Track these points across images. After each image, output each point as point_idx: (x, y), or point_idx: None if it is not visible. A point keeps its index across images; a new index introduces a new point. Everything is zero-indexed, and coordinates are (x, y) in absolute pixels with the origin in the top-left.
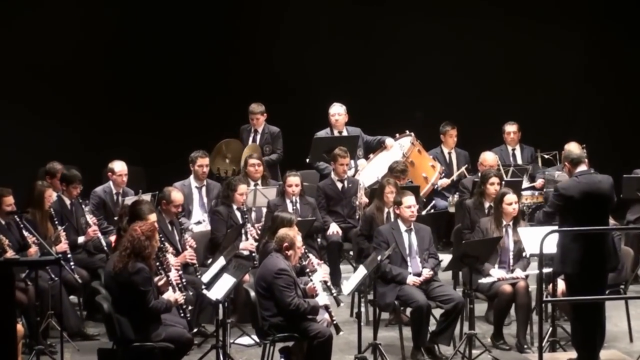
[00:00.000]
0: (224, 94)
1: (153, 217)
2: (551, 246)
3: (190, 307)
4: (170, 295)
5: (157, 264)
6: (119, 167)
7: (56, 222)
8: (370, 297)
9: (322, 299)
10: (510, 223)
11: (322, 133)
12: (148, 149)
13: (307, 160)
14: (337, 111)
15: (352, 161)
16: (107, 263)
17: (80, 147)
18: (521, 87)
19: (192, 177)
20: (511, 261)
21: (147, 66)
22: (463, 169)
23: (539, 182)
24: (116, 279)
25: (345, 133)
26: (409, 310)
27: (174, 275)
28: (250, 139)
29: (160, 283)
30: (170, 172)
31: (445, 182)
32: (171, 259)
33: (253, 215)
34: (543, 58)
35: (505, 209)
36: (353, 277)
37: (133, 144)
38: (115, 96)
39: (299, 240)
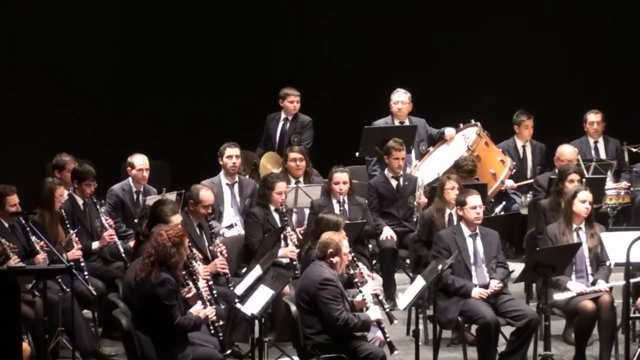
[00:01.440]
0: (262, 79)
1: (177, 219)
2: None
3: (221, 323)
4: (199, 310)
5: (185, 273)
6: (140, 161)
7: (67, 225)
8: (430, 312)
9: (374, 313)
10: (582, 226)
11: (381, 122)
12: (173, 140)
13: (357, 154)
14: (401, 98)
15: (410, 155)
16: (127, 272)
17: (94, 138)
18: (607, 69)
19: (222, 173)
20: (588, 269)
21: (171, 46)
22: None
23: (623, 183)
24: (137, 291)
25: (407, 124)
26: (474, 327)
27: (203, 286)
28: (279, 128)
29: (187, 296)
30: (199, 168)
31: (512, 184)
32: (200, 268)
33: (294, 217)
34: (634, 36)
35: (577, 208)
36: (409, 289)
37: (156, 134)
38: (135, 80)
39: (345, 245)
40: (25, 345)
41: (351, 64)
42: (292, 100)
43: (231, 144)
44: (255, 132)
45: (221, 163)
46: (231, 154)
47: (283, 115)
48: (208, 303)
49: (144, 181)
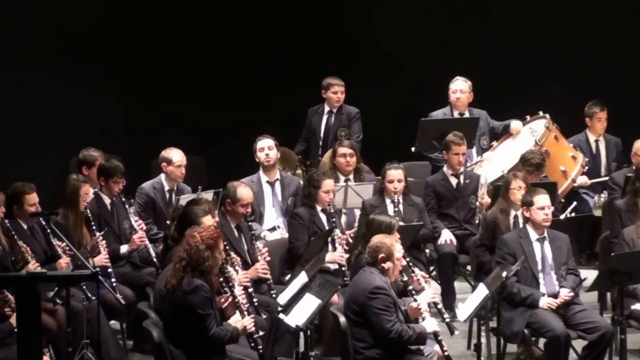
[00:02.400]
0: (301, 68)
1: (208, 220)
2: None
3: (262, 334)
4: (237, 320)
5: (221, 280)
6: (178, 156)
7: (93, 227)
8: (493, 324)
9: (431, 324)
10: None
11: (439, 114)
12: (209, 134)
13: (413, 148)
14: (460, 87)
15: (471, 150)
16: (158, 279)
17: (122, 131)
18: None
19: (261, 170)
20: None
21: (209, 29)
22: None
23: None
24: (168, 299)
25: (467, 115)
26: (542, 341)
27: (241, 294)
28: (324, 122)
29: (224, 305)
30: (238, 165)
31: (585, 181)
32: (238, 273)
33: (343, 219)
34: None
35: None
36: (470, 298)
37: (190, 127)
38: (166, 69)
39: (398, 249)
40: None
41: (404, 49)
42: (336, 91)
43: (262, 136)
44: (295, 127)
45: (256, 160)
46: (262, 145)
47: (327, 108)
48: (247, 312)
49: (181, 179)
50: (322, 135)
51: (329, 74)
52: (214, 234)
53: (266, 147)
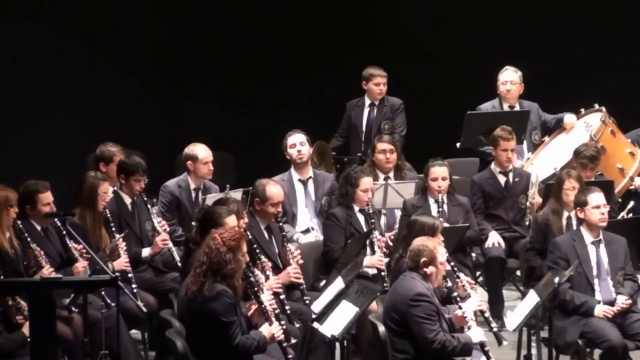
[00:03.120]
0: (340, 57)
1: (231, 221)
2: None
3: (294, 342)
4: (265, 328)
5: (247, 285)
6: (204, 152)
7: (112, 228)
8: (545, 334)
9: (477, 334)
10: None
11: (487, 106)
12: (238, 128)
13: (458, 144)
14: (510, 78)
15: (522, 146)
16: (182, 285)
17: (144, 124)
18: None
19: (292, 168)
20: None
21: (234, 21)
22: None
23: None
24: (189, 307)
25: (518, 108)
26: (597, 352)
27: (268, 299)
28: (365, 115)
29: (250, 311)
30: (271, 161)
31: None
32: (269, 278)
33: (382, 220)
34: None
35: None
36: (520, 306)
37: (216, 120)
38: (191, 58)
39: (441, 253)
40: None
41: (449, 37)
42: (377, 83)
43: (293, 130)
44: (333, 121)
45: (287, 157)
46: (294, 141)
47: (367, 101)
48: (275, 319)
49: (209, 176)
50: (364, 129)
51: (369, 63)
52: (236, 235)
53: (298, 143)
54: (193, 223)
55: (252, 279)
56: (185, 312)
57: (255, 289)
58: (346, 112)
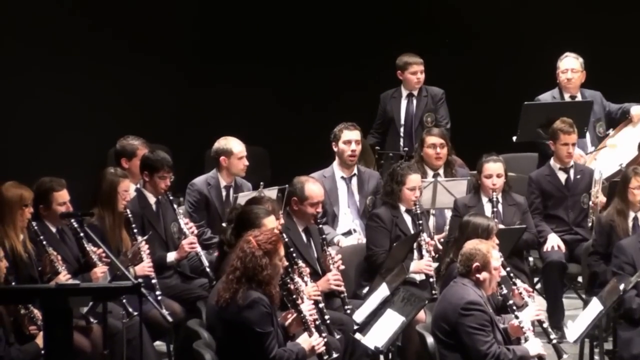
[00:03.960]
0: (370, 42)
1: (270, 222)
2: None
3: (335, 357)
4: (303, 340)
5: (285, 293)
6: (238, 147)
7: (135, 230)
8: (609, 345)
9: (534, 346)
10: None
11: (546, 96)
12: (273, 119)
13: (514, 138)
14: (571, 65)
15: (584, 140)
16: (211, 292)
17: (169, 116)
18: None
19: (335, 163)
20: None
21: (269, 2)
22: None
23: None
24: (221, 316)
25: (579, 98)
26: None
27: (309, 309)
28: (403, 107)
29: (288, 322)
30: (308, 157)
31: None
32: (307, 285)
33: (431, 221)
34: None
35: None
36: (582, 315)
37: (250, 111)
38: (224, 46)
39: (495, 257)
40: None
41: (503, 19)
42: (415, 71)
43: (350, 125)
44: (363, 114)
45: (336, 150)
46: (350, 138)
47: (404, 92)
48: (315, 330)
49: (243, 173)
50: (402, 123)
51: (404, 49)
52: (273, 238)
53: (354, 141)
54: (223, 224)
55: (291, 285)
56: (215, 321)
57: (294, 296)
58: (380, 104)
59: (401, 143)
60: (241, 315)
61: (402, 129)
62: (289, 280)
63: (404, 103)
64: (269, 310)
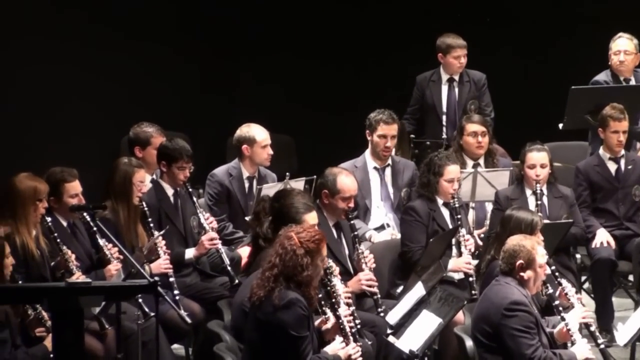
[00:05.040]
0: (405, 24)
1: (312, 218)
2: None
3: None
4: (337, 348)
5: (325, 295)
6: (262, 135)
7: (151, 225)
8: None
9: (582, 350)
10: None
11: (596, 80)
12: (299, 106)
13: (560, 125)
14: (624, 47)
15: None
16: (238, 291)
17: (188, 103)
18: None
19: (367, 152)
20: None
21: None
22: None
23: None
24: (253, 316)
25: (633, 82)
26: None
27: (346, 314)
28: (444, 93)
29: (324, 326)
30: (337, 145)
31: None
32: (339, 286)
33: (471, 215)
34: None
35: None
36: (633, 317)
37: (274, 97)
38: (245, 24)
39: (540, 254)
40: None
41: None
42: (458, 55)
43: (388, 117)
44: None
45: (369, 139)
46: (386, 133)
47: (444, 76)
48: (352, 338)
49: (268, 162)
50: (444, 109)
51: (445, 30)
52: (317, 236)
53: (390, 137)
54: (246, 218)
55: (331, 288)
56: (243, 322)
57: (333, 300)
58: (416, 88)
59: (444, 132)
60: (276, 316)
61: (444, 117)
62: (328, 282)
63: (444, 88)
64: (306, 312)
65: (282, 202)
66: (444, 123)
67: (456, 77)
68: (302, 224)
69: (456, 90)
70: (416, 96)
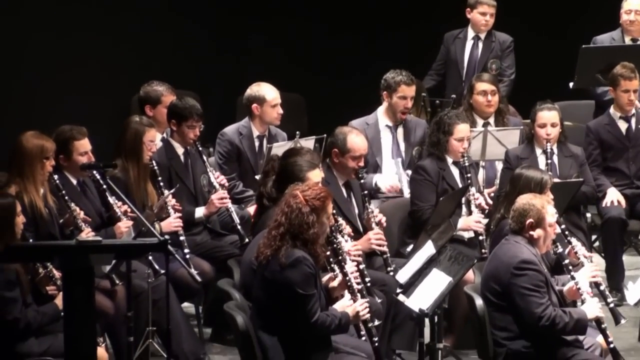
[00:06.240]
0: None
1: (315, 175)
2: None
3: (377, 324)
4: (346, 305)
5: (331, 253)
6: (272, 93)
7: (161, 183)
8: None
9: (592, 308)
10: None
11: (606, 39)
12: (309, 63)
13: (571, 84)
14: (635, 6)
15: None
16: (247, 249)
17: (197, 61)
18: None
19: (381, 110)
20: None
21: None
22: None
23: None
24: (260, 275)
25: None
26: None
27: (353, 271)
28: (467, 50)
29: (332, 284)
30: (348, 104)
31: None
32: (348, 244)
33: (481, 174)
34: None
35: None
36: None
37: (284, 55)
38: None
39: (550, 213)
40: (102, 352)
41: None
42: (484, 12)
43: (407, 77)
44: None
45: (387, 100)
46: (407, 94)
47: (471, 33)
48: (360, 294)
49: (278, 121)
50: (465, 66)
51: None
52: (322, 194)
53: (409, 98)
54: (256, 177)
55: (337, 246)
56: (251, 280)
57: (339, 257)
58: (443, 44)
59: (463, 88)
60: (283, 275)
61: (464, 73)
62: (334, 240)
63: (469, 45)
64: (313, 270)
65: (286, 160)
66: (464, 79)
67: (482, 36)
68: (305, 181)
69: (480, 48)
70: (442, 52)
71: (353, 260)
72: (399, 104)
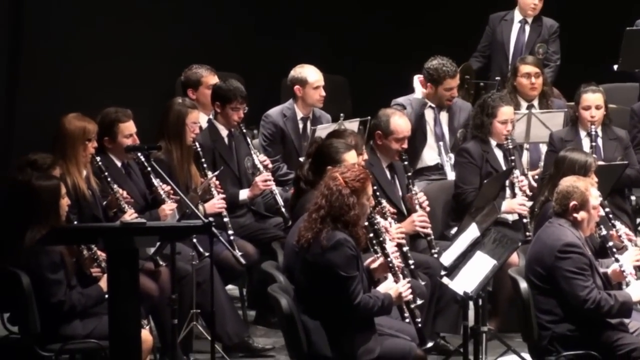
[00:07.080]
0: None
1: (351, 157)
2: None
3: (419, 303)
4: (389, 286)
5: (372, 234)
6: (315, 75)
7: (204, 165)
8: None
9: (637, 291)
10: None
11: None
12: (355, 46)
13: (615, 67)
14: None
15: None
16: (290, 233)
17: (241, 44)
18: None
19: (424, 93)
20: None
21: None
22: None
23: None
24: (302, 258)
25: None
26: None
27: (394, 253)
28: (514, 33)
29: (373, 265)
30: (391, 86)
31: None
32: (391, 227)
33: (525, 156)
34: None
35: None
36: None
37: (329, 37)
38: None
39: (594, 195)
40: (146, 334)
41: None
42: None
43: (451, 69)
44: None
45: (430, 90)
46: (452, 85)
47: (518, 16)
48: (402, 276)
49: (320, 104)
50: (512, 49)
51: None
52: (361, 175)
53: (455, 88)
54: (300, 159)
55: (377, 227)
56: (294, 263)
57: (381, 239)
58: (488, 26)
59: (508, 71)
60: (325, 257)
61: (510, 56)
62: (375, 221)
63: (515, 28)
64: (355, 252)
65: (323, 142)
66: (510, 62)
67: (529, 20)
68: (341, 163)
69: (527, 32)
70: (487, 33)
71: (396, 242)
72: (444, 95)
